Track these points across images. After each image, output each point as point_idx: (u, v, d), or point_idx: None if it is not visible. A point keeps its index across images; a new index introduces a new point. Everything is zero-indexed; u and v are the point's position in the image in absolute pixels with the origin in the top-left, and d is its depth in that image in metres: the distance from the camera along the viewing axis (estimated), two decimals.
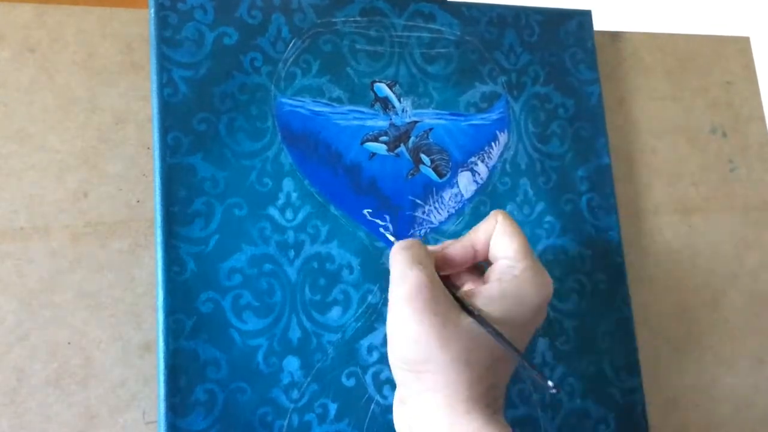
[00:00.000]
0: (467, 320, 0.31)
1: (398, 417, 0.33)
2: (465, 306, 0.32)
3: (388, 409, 0.39)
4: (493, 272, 0.34)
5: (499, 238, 0.35)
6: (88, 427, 0.36)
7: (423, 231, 0.42)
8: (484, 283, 0.35)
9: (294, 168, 0.40)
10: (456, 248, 0.36)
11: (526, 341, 0.34)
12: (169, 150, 0.38)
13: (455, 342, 0.31)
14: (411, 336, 0.31)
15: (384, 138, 0.42)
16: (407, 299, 0.31)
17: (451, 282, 0.37)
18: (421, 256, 0.33)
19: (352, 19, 0.43)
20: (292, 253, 0.39)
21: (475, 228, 0.36)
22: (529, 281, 0.33)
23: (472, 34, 0.45)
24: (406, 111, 0.43)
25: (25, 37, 0.40)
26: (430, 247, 0.36)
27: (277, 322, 0.38)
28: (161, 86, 0.38)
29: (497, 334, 0.31)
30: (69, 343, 0.37)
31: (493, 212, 0.36)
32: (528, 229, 0.44)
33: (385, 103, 0.43)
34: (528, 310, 0.33)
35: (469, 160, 0.44)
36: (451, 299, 0.32)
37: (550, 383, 0.29)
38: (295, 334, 0.38)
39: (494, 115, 0.45)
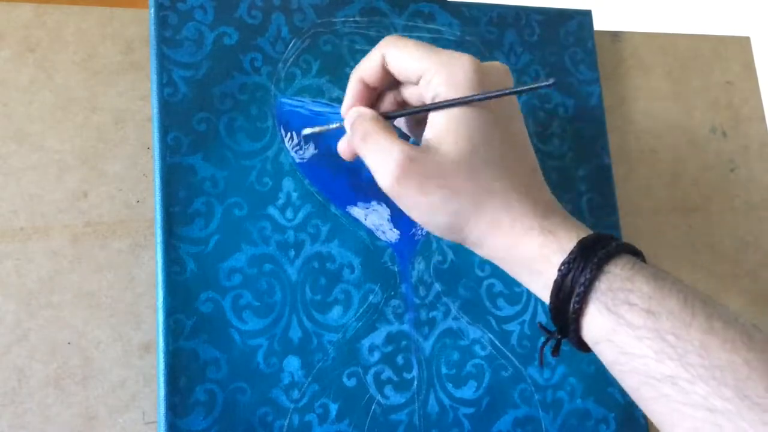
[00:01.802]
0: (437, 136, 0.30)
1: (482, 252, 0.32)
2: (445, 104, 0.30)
3: (389, 409, 0.39)
4: (424, 98, 0.32)
5: (395, 58, 0.32)
6: (88, 428, 0.36)
7: (424, 230, 0.42)
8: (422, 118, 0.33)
9: (294, 168, 0.40)
10: (351, 89, 0.34)
11: (515, 116, 0.33)
12: (169, 150, 0.38)
13: (466, 184, 0.30)
14: (426, 209, 0.30)
15: None
16: (396, 183, 0.30)
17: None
18: (384, 136, 0.31)
19: (352, 19, 0.43)
20: (292, 252, 0.39)
21: (359, 65, 0.34)
22: (453, 74, 0.30)
23: (472, 34, 0.45)
24: None
25: (25, 36, 0.40)
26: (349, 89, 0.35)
27: (277, 322, 0.38)
28: (161, 86, 0.38)
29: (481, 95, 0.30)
30: (69, 343, 0.37)
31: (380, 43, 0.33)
32: None
33: None
34: (468, 88, 0.30)
35: None
36: (434, 149, 0.30)
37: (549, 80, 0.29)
38: (295, 333, 0.38)
39: None
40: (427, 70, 0.31)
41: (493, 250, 0.31)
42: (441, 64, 0.31)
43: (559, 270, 0.28)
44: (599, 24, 0.52)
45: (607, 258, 0.28)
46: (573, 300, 0.28)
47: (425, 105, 0.32)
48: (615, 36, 0.54)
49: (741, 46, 0.57)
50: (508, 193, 0.30)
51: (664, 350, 0.25)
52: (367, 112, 0.33)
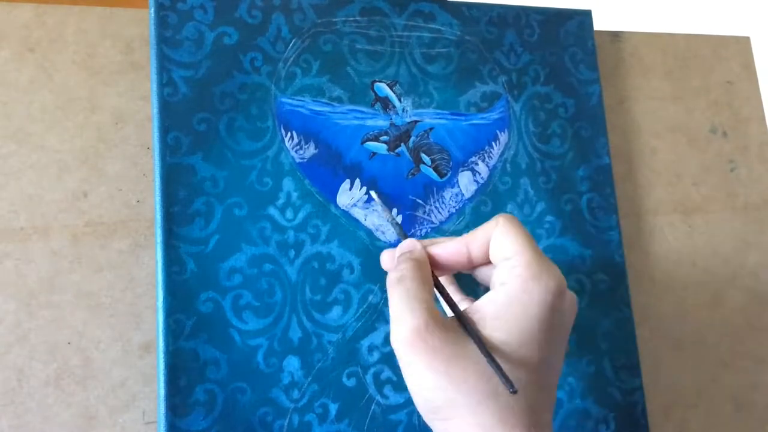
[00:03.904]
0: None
1: None
2: (467, 330, 0.30)
3: (389, 409, 0.39)
4: (497, 276, 0.31)
5: (498, 238, 0.32)
6: (88, 428, 0.36)
7: (424, 231, 0.42)
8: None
9: (294, 167, 0.40)
10: (446, 247, 0.33)
11: (555, 353, 0.31)
12: (169, 150, 0.38)
13: (470, 375, 0.28)
14: (423, 385, 0.29)
15: (384, 137, 0.42)
16: (407, 344, 0.29)
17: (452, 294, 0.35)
18: (416, 288, 0.30)
19: (352, 18, 0.43)
20: (292, 252, 0.39)
21: (474, 230, 0.33)
22: (534, 277, 0.30)
23: (472, 34, 0.45)
24: (407, 111, 0.43)
25: (24, 36, 0.40)
26: (424, 242, 0.34)
27: (277, 322, 0.38)
28: (161, 86, 0.38)
29: (492, 362, 0.28)
30: (69, 343, 0.37)
31: (497, 215, 0.33)
32: (529, 229, 0.44)
33: (386, 102, 0.43)
34: (540, 312, 0.29)
35: (469, 160, 0.44)
36: (456, 326, 0.30)
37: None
38: (295, 334, 0.38)
39: (495, 115, 0.45)
40: (517, 258, 0.30)
41: None
42: (542, 265, 0.30)
43: None
44: (599, 24, 0.52)
45: None
46: None
47: (474, 333, 0.29)
48: (615, 36, 0.54)
49: (741, 46, 0.57)
50: (514, 411, 0.28)
51: None
52: (421, 254, 0.33)
